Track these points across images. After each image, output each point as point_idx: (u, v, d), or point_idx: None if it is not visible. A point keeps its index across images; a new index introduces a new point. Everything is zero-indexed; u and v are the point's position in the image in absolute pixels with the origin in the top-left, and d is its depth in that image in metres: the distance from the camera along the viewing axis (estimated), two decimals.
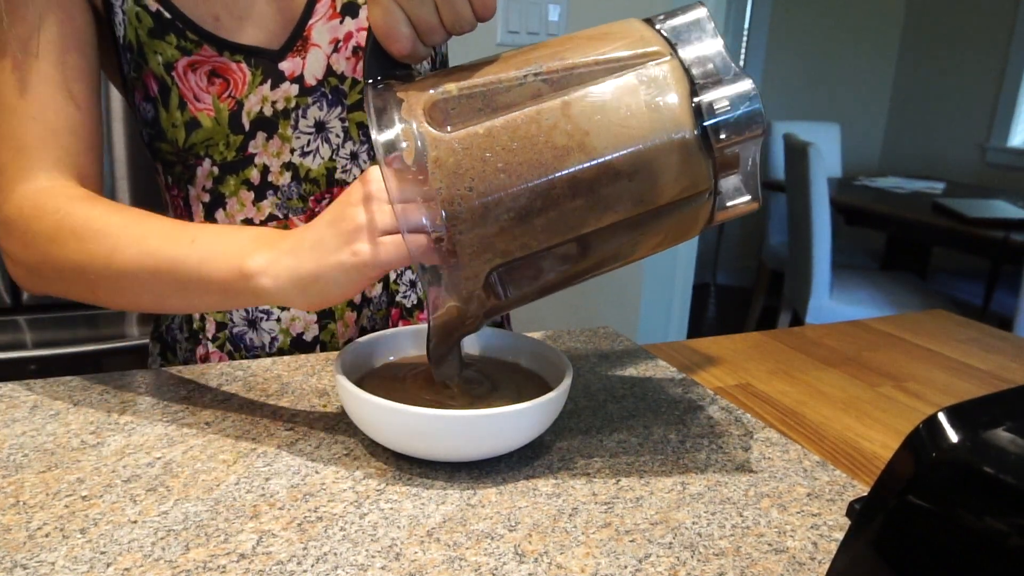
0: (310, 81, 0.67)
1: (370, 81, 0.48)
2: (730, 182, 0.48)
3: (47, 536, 0.42)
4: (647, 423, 0.59)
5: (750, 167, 0.48)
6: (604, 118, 0.45)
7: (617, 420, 0.59)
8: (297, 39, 0.66)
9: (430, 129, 0.44)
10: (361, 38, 0.67)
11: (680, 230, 0.49)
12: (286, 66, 0.66)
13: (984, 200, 2.65)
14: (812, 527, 0.46)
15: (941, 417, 0.27)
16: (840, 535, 0.45)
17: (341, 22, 0.66)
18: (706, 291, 4.06)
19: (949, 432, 0.26)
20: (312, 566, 0.40)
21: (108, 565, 0.39)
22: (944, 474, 0.26)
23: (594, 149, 0.44)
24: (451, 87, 0.46)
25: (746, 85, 0.46)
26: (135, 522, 0.43)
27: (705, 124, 0.45)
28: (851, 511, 0.30)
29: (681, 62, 0.46)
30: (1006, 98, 3.33)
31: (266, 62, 0.65)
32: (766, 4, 3.66)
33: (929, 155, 3.72)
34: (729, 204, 0.49)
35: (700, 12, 0.48)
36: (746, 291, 3.88)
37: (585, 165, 0.44)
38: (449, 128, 0.45)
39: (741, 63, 3.73)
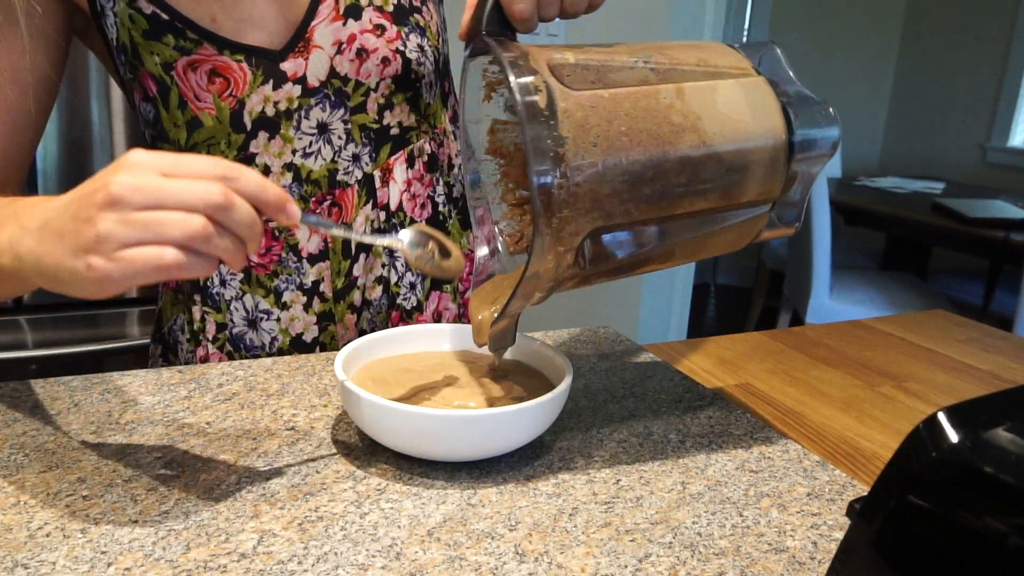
0: (313, 82, 0.67)
1: (485, 33, 0.50)
2: (782, 202, 0.53)
3: (48, 536, 0.42)
4: (647, 423, 0.59)
5: (801, 193, 0.53)
6: (715, 109, 0.48)
7: (617, 420, 0.59)
8: (299, 40, 0.65)
9: (558, 83, 0.46)
10: (364, 41, 0.67)
11: (737, 236, 0.53)
12: (288, 67, 0.66)
13: (984, 200, 2.65)
14: (812, 527, 0.46)
15: (941, 417, 0.27)
16: (840, 535, 0.45)
17: (344, 24, 0.66)
18: (706, 291, 4.06)
19: (949, 432, 0.26)
20: (313, 565, 0.40)
21: (109, 565, 0.39)
22: (944, 474, 0.26)
23: (705, 133, 0.48)
24: (568, 55, 0.48)
25: (828, 109, 0.51)
26: (136, 522, 0.43)
27: (794, 136, 0.50)
28: (851, 511, 0.30)
29: (768, 81, 0.51)
30: (1006, 98, 3.33)
31: (267, 62, 0.65)
32: (766, 4, 3.66)
33: (929, 155, 3.72)
34: (774, 225, 0.54)
35: (774, 48, 0.54)
36: (746, 291, 3.88)
37: (696, 145, 0.47)
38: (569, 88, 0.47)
39: None
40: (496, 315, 0.51)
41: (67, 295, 0.43)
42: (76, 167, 1.31)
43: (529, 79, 0.45)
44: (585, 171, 0.45)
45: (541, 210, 0.44)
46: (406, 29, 0.68)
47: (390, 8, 0.68)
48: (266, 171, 0.68)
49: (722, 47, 0.53)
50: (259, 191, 0.43)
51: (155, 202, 0.40)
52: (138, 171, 0.40)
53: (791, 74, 0.53)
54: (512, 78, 0.45)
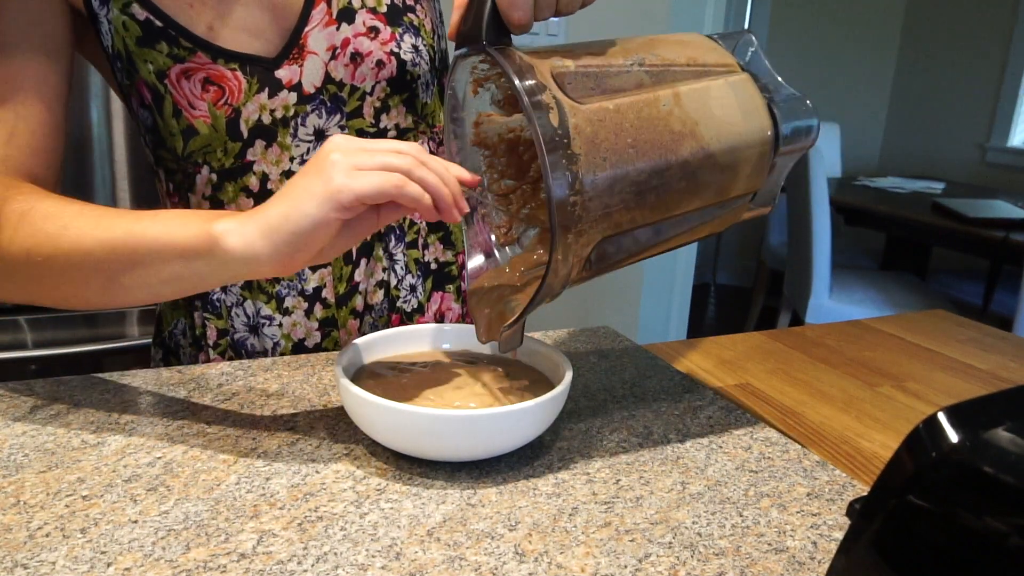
0: (308, 89, 0.66)
1: (485, 43, 0.49)
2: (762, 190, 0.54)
3: (47, 536, 0.42)
4: (647, 423, 0.59)
5: (780, 176, 0.55)
6: (710, 113, 0.50)
7: (617, 420, 0.59)
8: (293, 47, 0.65)
9: (566, 97, 0.46)
10: (358, 44, 0.67)
11: (721, 223, 0.55)
12: (283, 74, 0.65)
13: (984, 200, 2.65)
14: (812, 527, 0.46)
15: (941, 417, 0.27)
16: (840, 535, 0.45)
17: (337, 29, 0.66)
18: (706, 291, 4.06)
19: (949, 432, 0.26)
20: (312, 566, 0.40)
21: (108, 565, 0.39)
22: (944, 474, 0.26)
23: (703, 138, 0.49)
24: (568, 63, 0.48)
25: (805, 101, 0.53)
26: (135, 522, 0.43)
27: (779, 130, 0.52)
28: (851, 511, 0.30)
29: (751, 76, 0.53)
30: (1006, 98, 3.33)
31: (261, 70, 0.64)
32: (766, 4, 3.66)
33: (929, 155, 3.72)
34: (752, 206, 0.55)
35: (750, 37, 0.55)
36: (746, 291, 3.88)
37: (695, 151, 0.49)
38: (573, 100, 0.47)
39: None
40: (511, 322, 0.52)
41: (307, 244, 0.48)
42: (76, 168, 1.31)
43: (541, 97, 0.45)
44: (596, 187, 0.45)
45: (559, 228, 0.45)
46: (400, 30, 0.68)
47: (383, 9, 0.68)
48: (264, 179, 0.68)
49: (705, 41, 0.54)
50: (443, 169, 0.50)
51: (369, 149, 0.48)
52: (348, 139, 0.49)
53: (768, 66, 0.54)
54: (526, 98, 0.45)
